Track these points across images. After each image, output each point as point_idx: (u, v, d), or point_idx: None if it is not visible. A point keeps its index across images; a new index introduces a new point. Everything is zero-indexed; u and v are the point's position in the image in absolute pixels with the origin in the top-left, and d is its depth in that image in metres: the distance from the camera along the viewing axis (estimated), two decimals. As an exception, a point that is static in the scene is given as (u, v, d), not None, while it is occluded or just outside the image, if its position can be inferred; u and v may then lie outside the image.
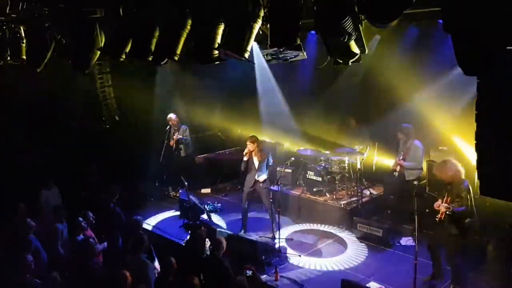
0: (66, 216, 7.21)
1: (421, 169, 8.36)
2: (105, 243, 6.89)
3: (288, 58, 4.66)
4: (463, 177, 6.21)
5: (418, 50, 8.69)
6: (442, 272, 6.55)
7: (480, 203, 6.39)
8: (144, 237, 6.22)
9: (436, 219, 6.20)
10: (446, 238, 6.27)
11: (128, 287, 5.21)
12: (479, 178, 3.18)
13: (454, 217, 6.09)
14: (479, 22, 2.97)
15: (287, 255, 7.77)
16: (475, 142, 3.15)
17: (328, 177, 9.48)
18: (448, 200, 6.10)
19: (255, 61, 8.80)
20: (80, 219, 6.92)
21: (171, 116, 10.63)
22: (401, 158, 8.27)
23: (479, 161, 3.16)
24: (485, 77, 3.08)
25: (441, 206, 6.12)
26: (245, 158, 8.45)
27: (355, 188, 9.46)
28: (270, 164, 8.61)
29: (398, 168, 8.31)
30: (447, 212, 6.03)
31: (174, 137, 10.61)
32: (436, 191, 6.66)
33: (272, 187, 8.65)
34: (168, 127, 10.63)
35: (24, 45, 6.24)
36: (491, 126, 3.08)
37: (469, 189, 6.12)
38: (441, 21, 3.16)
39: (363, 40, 4.08)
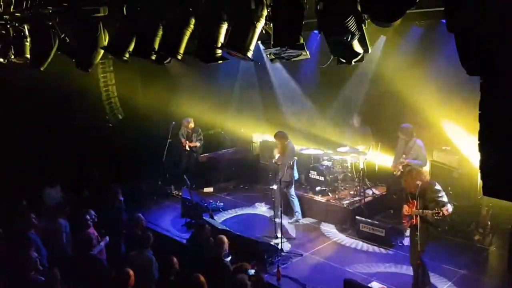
0: (69, 214, 7.24)
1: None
2: (107, 238, 6.93)
3: (291, 57, 4.64)
4: (429, 180, 6.26)
5: (421, 49, 8.67)
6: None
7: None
8: (150, 234, 6.25)
9: (405, 223, 6.23)
10: (425, 239, 6.19)
11: (131, 285, 5.22)
12: (482, 178, 3.17)
13: (431, 219, 6.07)
14: (482, 22, 2.96)
15: (290, 254, 7.77)
16: (478, 142, 3.13)
17: (330, 176, 9.47)
18: (420, 203, 6.05)
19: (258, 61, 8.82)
20: (87, 217, 6.97)
21: (188, 121, 10.74)
22: (404, 158, 8.28)
23: (482, 161, 3.14)
24: (488, 77, 3.07)
25: (413, 210, 6.07)
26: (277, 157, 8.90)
27: (358, 187, 9.45)
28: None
29: (401, 167, 8.30)
30: (436, 216, 5.97)
31: (192, 144, 10.78)
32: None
33: (275, 186, 8.68)
34: (172, 125, 10.65)
35: (28, 43, 6.25)
36: (494, 126, 3.07)
37: (441, 188, 6.14)
38: (444, 21, 3.15)
39: (366, 39, 4.07)
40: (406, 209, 6.20)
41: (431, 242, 6.37)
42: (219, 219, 9.38)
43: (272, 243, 7.97)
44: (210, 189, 11.28)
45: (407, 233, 8.05)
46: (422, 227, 6.00)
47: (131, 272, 5.32)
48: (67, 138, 9.77)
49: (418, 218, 6.00)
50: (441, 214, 5.86)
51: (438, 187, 6.13)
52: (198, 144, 10.87)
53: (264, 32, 4.45)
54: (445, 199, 6.05)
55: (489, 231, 7.76)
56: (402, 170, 8.29)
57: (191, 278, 5.24)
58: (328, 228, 8.85)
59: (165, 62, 5.26)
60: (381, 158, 9.55)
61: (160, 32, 5.09)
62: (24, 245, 6.26)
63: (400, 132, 8.43)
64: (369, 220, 8.35)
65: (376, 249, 7.88)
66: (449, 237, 7.86)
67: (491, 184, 3.15)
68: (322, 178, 9.51)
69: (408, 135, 8.31)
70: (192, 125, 10.84)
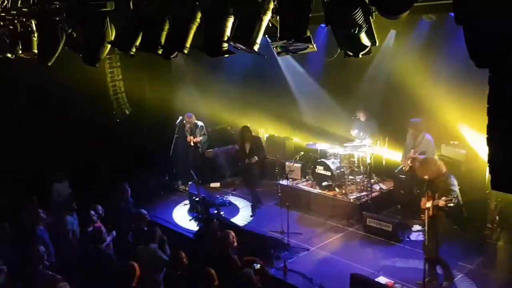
0: (76, 209, 7.29)
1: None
2: (114, 232, 6.97)
3: (298, 50, 4.61)
4: (445, 171, 6.21)
5: (429, 43, 8.60)
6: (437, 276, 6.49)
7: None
8: (156, 228, 6.29)
9: (422, 217, 6.17)
10: (443, 231, 6.19)
11: (136, 278, 5.26)
12: (490, 172, 3.14)
13: (448, 211, 6.05)
14: (491, 14, 2.93)
15: (296, 249, 7.78)
16: (487, 136, 3.10)
17: (337, 171, 9.44)
18: (437, 196, 6.03)
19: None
20: (92, 212, 7.03)
21: (189, 116, 10.69)
22: (413, 152, 8.25)
23: (490, 155, 3.11)
24: (497, 70, 3.03)
25: (430, 202, 6.04)
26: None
27: (365, 182, 9.42)
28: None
29: (409, 161, 8.28)
30: (447, 206, 5.95)
31: (195, 139, 10.69)
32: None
33: (281, 181, 8.68)
34: (178, 120, 10.66)
35: (35, 39, 6.27)
36: (503, 120, 3.04)
37: (455, 181, 6.12)
38: (452, 13, 3.12)
39: (374, 32, 4.04)
40: (423, 202, 6.18)
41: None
42: (226, 214, 9.41)
43: (278, 237, 7.99)
44: (217, 184, 11.31)
45: (414, 228, 8.07)
46: (439, 218, 6.01)
47: (136, 265, 5.36)
48: (75, 133, 9.82)
49: (435, 210, 5.99)
50: (453, 201, 5.85)
51: (453, 180, 6.10)
52: (199, 139, 10.72)
53: (270, 25, 4.43)
54: (456, 193, 6.03)
55: (498, 225, 7.71)
56: (410, 164, 8.27)
57: (203, 270, 5.26)
58: (335, 223, 8.84)
59: (171, 56, 5.26)
60: (388, 153, 9.52)
61: (167, 27, 5.08)
62: (32, 240, 6.33)
63: (410, 126, 8.40)
64: (376, 215, 8.34)
65: (383, 243, 7.86)
66: (457, 232, 7.82)
67: (499, 178, 3.12)
68: (328, 173, 9.49)
69: (418, 129, 8.29)
70: (193, 120, 10.76)
